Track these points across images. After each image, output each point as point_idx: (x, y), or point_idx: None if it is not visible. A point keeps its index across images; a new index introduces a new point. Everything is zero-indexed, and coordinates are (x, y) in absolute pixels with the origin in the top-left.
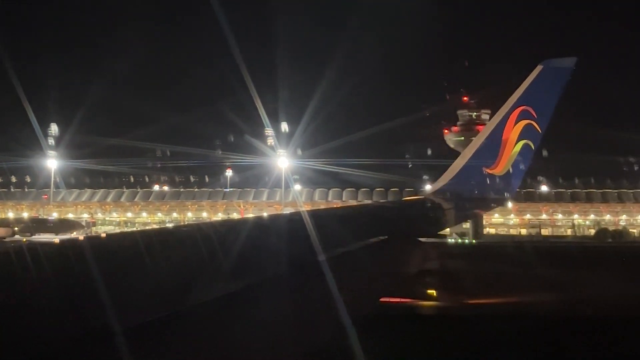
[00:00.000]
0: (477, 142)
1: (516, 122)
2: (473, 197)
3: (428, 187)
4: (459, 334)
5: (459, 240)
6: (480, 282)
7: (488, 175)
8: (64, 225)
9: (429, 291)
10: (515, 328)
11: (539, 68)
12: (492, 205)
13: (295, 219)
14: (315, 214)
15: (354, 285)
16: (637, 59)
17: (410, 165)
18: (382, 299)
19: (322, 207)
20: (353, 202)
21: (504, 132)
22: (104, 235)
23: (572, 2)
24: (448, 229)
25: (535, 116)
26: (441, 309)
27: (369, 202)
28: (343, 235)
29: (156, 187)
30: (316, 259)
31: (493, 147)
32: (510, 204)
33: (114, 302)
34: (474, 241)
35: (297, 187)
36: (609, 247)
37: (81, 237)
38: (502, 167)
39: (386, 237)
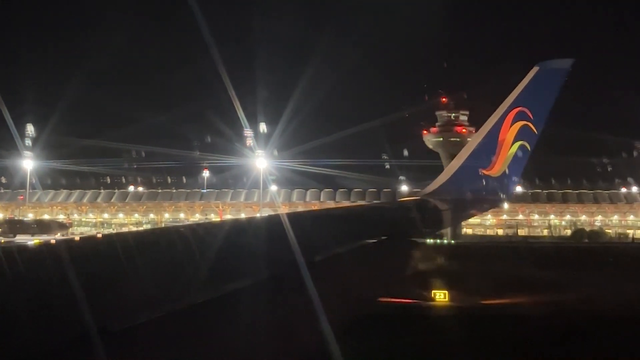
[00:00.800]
0: (473, 143)
1: (512, 123)
2: (469, 198)
3: (404, 188)
4: (473, 333)
5: (437, 241)
6: (492, 283)
7: (484, 176)
8: (47, 226)
9: (440, 291)
10: (529, 327)
11: (535, 69)
12: (489, 206)
13: (289, 220)
14: (307, 215)
15: (349, 287)
16: (613, 59)
17: (387, 166)
18: (397, 300)
19: (300, 207)
20: (331, 203)
21: (500, 133)
22: (99, 235)
23: (546, 6)
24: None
25: (532, 117)
26: (455, 309)
27: (364, 203)
28: (338, 237)
29: (131, 188)
30: (310, 260)
31: (489, 148)
32: (506, 205)
33: (89, 307)
34: (452, 242)
35: (274, 187)
36: (603, 248)
37: (72, 238)
38: (498, 168)
39: (383, 238)
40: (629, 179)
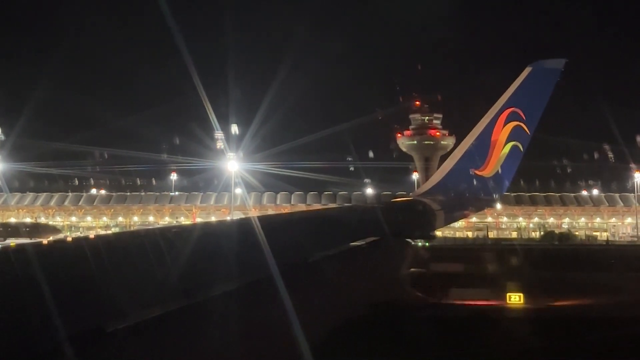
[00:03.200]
0: (466, 143)
1: (505, 124)
2: (462, 199)
3: (369, 191)
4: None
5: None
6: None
7: (477, 177)
8: (39, 230)
9: (515, 294)
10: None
11: (527, 70)
12: (482, 206)
13: (287, 221)
14: (300, 216)
15: (343, 288)
16: (583, 61)
17: (351, 168)
18: (458, 302)
19: (271, 210)
20: (302, 206)
21: (493, 134)
22: (92, 236)
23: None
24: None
25: (524, 118)
26: (529, 311)
27: (360, 204)
28: (335, 236)
29: (93, 191)
30: (305, 260)
31: (482, 148)
32: (499, 205)
33: (84, 307)
34: (427, 244)
35: (238, 190)
36: (602, 249)
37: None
38: (491, 168)
39: (375, 239)
40: (594, 182)
